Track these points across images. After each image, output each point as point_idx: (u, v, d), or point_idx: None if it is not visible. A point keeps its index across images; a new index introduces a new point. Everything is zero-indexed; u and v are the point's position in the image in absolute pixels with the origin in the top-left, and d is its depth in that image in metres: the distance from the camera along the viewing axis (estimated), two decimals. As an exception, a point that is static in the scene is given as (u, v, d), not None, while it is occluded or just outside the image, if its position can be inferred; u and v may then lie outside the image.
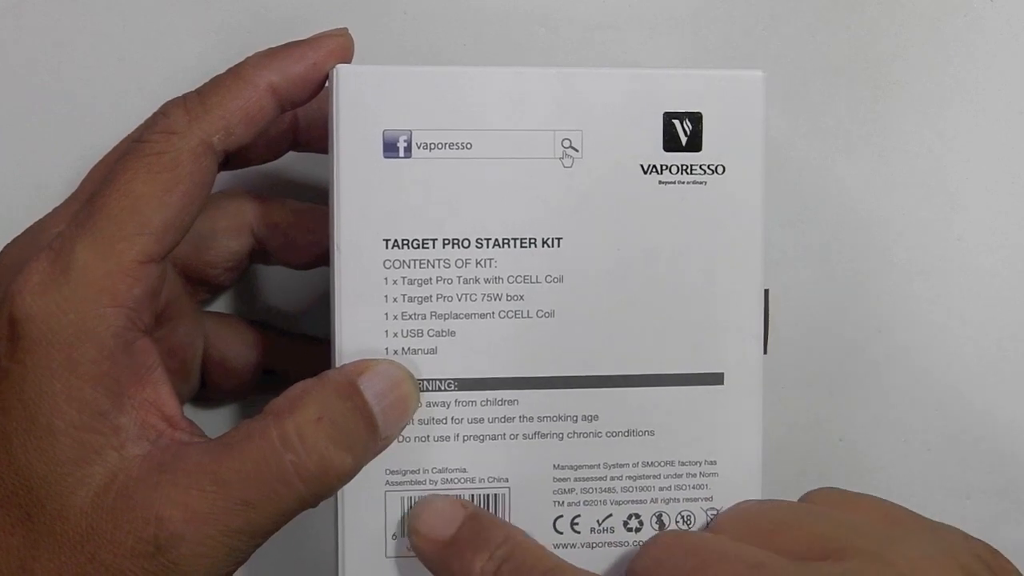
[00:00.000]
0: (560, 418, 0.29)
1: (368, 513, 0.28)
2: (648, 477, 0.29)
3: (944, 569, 0.25)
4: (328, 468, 0.26)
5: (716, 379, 0.29)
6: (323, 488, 0.26)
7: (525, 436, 0.29)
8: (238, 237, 0.32)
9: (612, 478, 0.29)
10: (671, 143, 0.29)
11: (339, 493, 0.28)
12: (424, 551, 0.28)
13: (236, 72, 0.28)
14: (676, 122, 0.29)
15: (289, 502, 0.26)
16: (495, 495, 0.29)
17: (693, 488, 0.29)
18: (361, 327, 0.28)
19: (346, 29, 0.29)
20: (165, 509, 0.25)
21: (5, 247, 0.29)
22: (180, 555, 0.25)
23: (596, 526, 0.29)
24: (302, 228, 0.32)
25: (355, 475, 0.27)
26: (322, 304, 0.28)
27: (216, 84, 0.28)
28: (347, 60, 0.28)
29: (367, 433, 0.27)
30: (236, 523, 0.25)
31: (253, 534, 0.26)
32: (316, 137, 0.31)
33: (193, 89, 0.28)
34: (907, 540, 0.26)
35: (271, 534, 0.26)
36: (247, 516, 0.25)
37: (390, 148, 0.28)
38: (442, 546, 0.27)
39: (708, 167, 0.29)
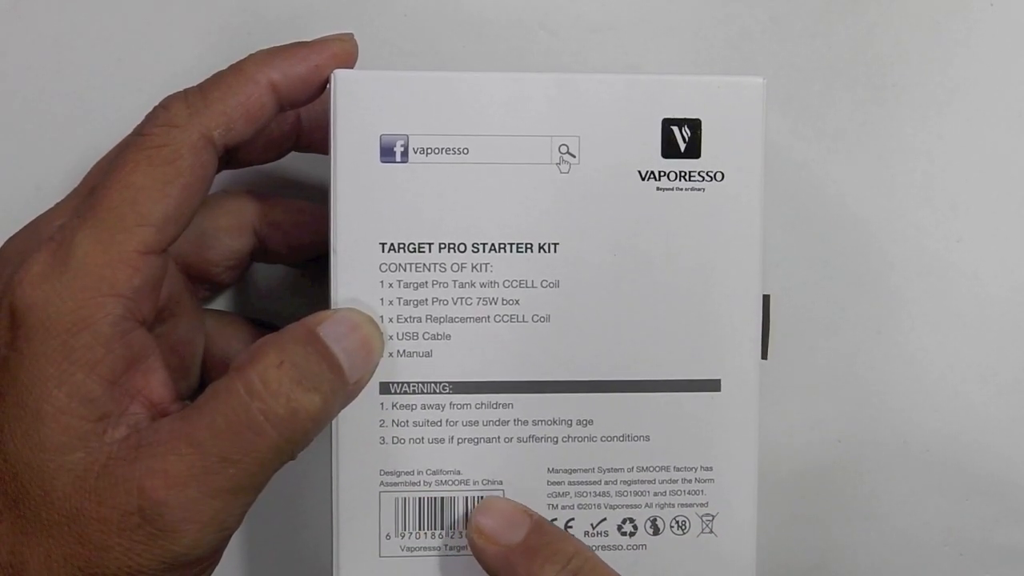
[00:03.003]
0: (555, 422, 0.29)
1: (363, 514, 0.29)
2: (643, 482, 0.29)
3: None
4: (297, 410, 0.26)
5: (713, 386, 0.29)
6: (296, 433, 0.26)
7: (520, 439, 0.29)
8: (240, 236, 0.32)
9: (607, 482, 0.29)
10: (669, 149, 0.28)
11: (335, 494, 0.28)
12: (488, 552, 0.28)
13: (238, 68, 0.28)
14: (675, 128, 0.28)
15: (265, 452, 0.26)
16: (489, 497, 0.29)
17: (688, 494, 0.29)
18: None
19: (351, 34, 0.29)
20: (146, 479, 0.25)
21: (7, 241, 0.30)
22: (166, 522, 0.25)
23: (590, 529, 0.29)
24: (303, 227, 0.32)
25: (328, 419, 0.27)
26: (322, 303, 0.28)
27: (217, 79, 0.28)
28: (350, 65, 0.28)
29: (332, 374, 0.26)
30: (217, 482, 0.25)
31: (235, 492, 0.26)
32: (318, 139, 0.31)
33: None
34: None
35: (254, 492, 0.26)
36: (227, 473, 0.25)
37: (387, 153, 0.28)
38: (508, 550, 0.28)
39: (707, 174, 0.29)
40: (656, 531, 0.29)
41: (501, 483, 0.29)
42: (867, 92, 0.36)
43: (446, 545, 0.29)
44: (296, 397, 0.26)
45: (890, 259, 0.37)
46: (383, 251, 0.28)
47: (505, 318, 0.28)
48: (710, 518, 0.30)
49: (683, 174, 0.29)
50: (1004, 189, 0.37)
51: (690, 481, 0.29)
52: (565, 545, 0.28)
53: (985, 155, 0.36)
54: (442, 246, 0.28)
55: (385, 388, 0.28)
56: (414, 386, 0.29)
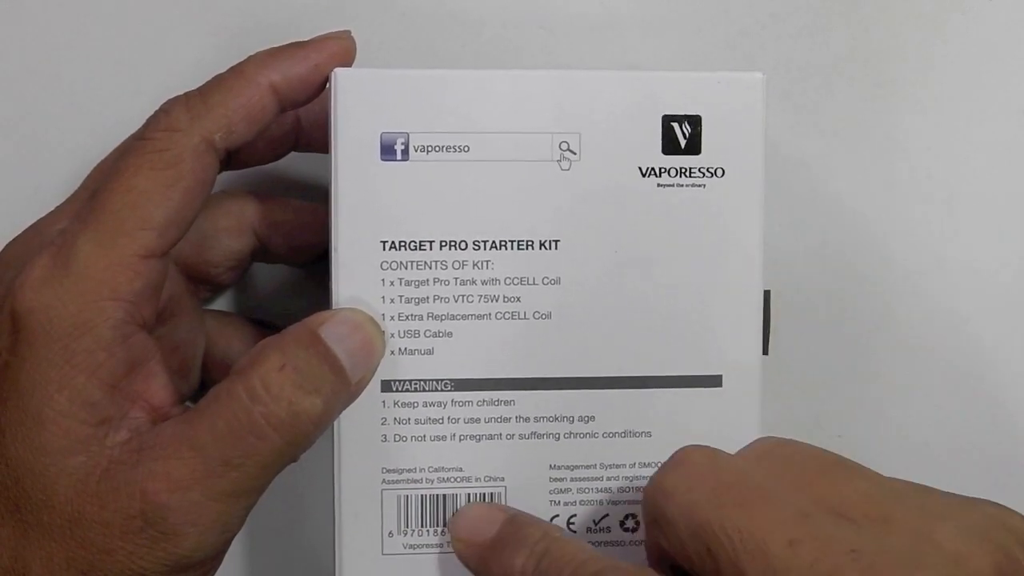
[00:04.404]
0: (556, 419, 0.29)
1: (365, 511, 0.29)
2: (645, 478, 0.29)
3: (984, 551, 0.23)
4: (298, 413, 0.26)
5: (715, 381, 0.29)
6: (297, 436, 0.26)
7: (522, 436, 0.29)
8: (240, 237, 0.32)
9: (609, 478, 0.29)
10: (670, 146, 0.29)
11: (336, 492, 0.29)
12: (466, 554, 0.28)
13: (238, 71, 0.28)
14: (675, 125, 0.28)
15: (267, 455, 0.26)
16: (491, 494, 0.29)
17: None
18: None
19: (349, 32, 0.29)
20: (148, 483, 0.25)
21: (7, 244, 0.30)
22: (168, 525, 0.25)
23: (592, 526, 0.29)
24: (303, 228, 0.32)
25: (330, 421, 0.27)
26: (322, 303, 0.28)
27: (218, 82, 0.28)
28: (348, 63, 0.28)
29: (333, 376, 0.26)
30: (219, 485, 0.25)
31: (238, 495, 0.26)
32: (318, 138, 0.31)
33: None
34: (946, 515, 0.24)
35: (256, 494, 0.26)
36: (229, 477, 0.25)
37: (387, 151, 0.28)
38: (483, 548, 0.28)
39: (707, 170, 0.29)
40: (658, 527, 0.29)
41: (503, 480, 0.29)
42: (866, 88, 0.36)
43: (448, 542, 0.29)
44: (298, 400, 0.26)
45: (889, 254, 0.37)
46: (384, 249, 0.28)
47: (506, 315, 0.29)
48: (712, 514, 0.30)
49: (684, 170, 0.29)
50: (1001, 184, 0.37)
51: None
52: (532, 531, 0.27)
53: (983, 151, 0.36)
54: (443, 244, 0.28)
55: (387, 386, 0.28)
56: (416, 384, 0.29)
